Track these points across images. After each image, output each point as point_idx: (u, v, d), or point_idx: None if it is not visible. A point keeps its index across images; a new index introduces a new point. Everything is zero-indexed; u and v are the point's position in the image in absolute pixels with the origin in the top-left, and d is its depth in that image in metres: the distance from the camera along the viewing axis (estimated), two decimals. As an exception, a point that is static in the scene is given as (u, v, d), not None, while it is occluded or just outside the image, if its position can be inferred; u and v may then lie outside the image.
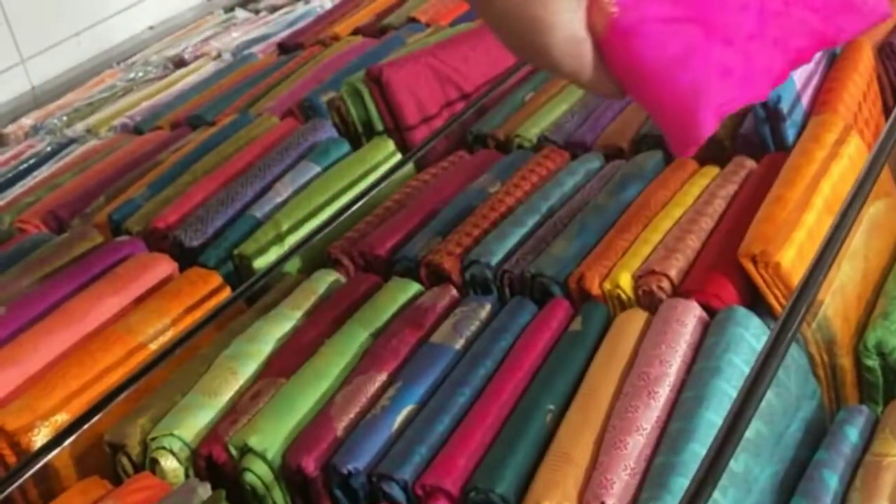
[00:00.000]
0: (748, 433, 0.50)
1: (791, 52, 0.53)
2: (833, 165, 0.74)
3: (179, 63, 1.48)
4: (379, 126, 1.04)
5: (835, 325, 0.67)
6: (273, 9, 1.65)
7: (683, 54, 0.52)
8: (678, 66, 0.51)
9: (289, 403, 0.67)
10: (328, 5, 1.56)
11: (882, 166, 0.71)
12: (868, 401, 0.67)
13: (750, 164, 0.82)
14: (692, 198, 0.79)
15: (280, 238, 0.88)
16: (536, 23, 0.51)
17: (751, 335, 0.63)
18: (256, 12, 1.68)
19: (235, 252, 0.88)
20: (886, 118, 0.91)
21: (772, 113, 0.82)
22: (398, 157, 0.99)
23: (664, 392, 0.61)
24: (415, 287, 0.78)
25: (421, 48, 1.08)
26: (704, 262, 0.71)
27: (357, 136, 1.06)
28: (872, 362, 0.66)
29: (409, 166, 0.96)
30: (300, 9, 1.58)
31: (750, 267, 0.67)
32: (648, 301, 0.70)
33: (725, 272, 0.69)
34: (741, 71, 0.52)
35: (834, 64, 0.89)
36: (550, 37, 0.51)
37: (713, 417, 0.58)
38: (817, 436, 0.62)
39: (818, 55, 0.89)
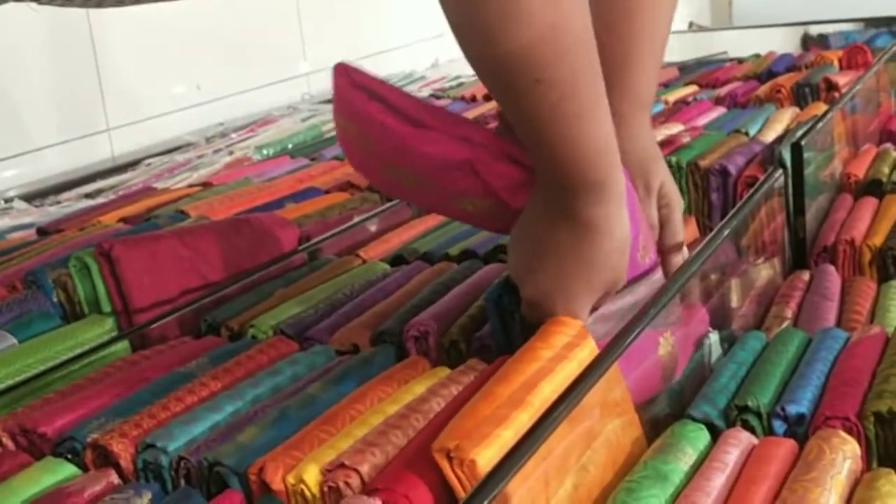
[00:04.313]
0: None
1: None
2: (559, 367, 0.66)
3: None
4: (106, 307, 0.93)
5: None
6: (55, 203, 1.55)
7: None
8: None
9: None
10: (112, 203, 1.47)
11: (608, 366, 0.64)
12: None
13: (482, 366, 0.73)
14: (412, 396, 0.70)
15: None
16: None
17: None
18: (39, 206, 1.57)
19: None
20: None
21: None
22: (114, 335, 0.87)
23: None
24: (68, 469, 0.65)
25: (167, 229, 0.99)
26: (403, 459, 0.61)
27: (83, 317, 0.94)
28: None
29: (125, 346, 0.85)
30: (83, 203, 1.49)
31: (444, 464, 0.57)
32: (335, 498, 0.59)
33: (422, 470, 0.58)
34: None
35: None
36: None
37: None
38: None
39: None
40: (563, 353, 0.67)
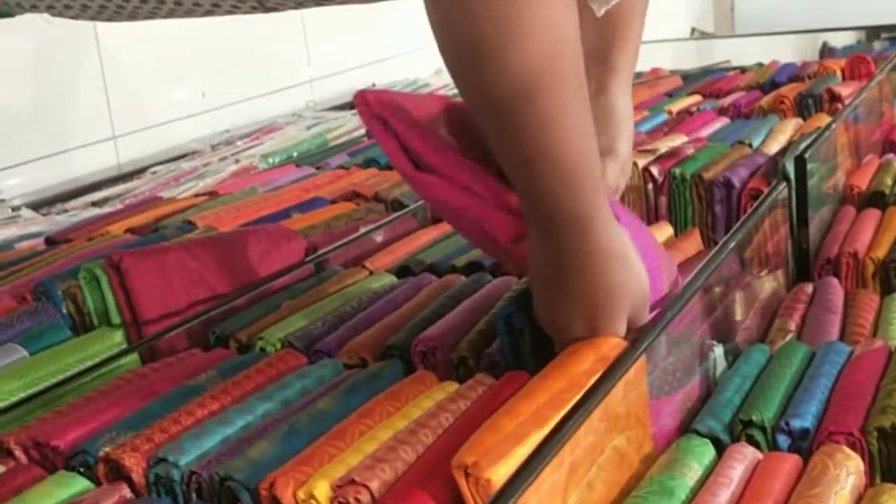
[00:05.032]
0: None
1: None
2: (588, 382, 0.66)
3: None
4: (116, 318, 0.93)
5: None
6: (62, 212, 1.56)
7: None
8: None
9: None
10: (120, 212, 1.48)
11: (618, 380, 0.65)
12: None
13: (490, 381, 0.74)
14: (421, 410, 0.70)
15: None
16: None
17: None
18: (46, 214, 1.58)
19: None
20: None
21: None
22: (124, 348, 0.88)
23: None
24: (81, 483, 0.65)
25: (175, 241, 1.00)
26: (413, 475, 0.62)
27: (92, 328, 0.95)
28: None
29: (134, 358, 0.85)
30: (90, 212, 1.50)
31: (462, 481, 0.58)
32: (344, 514, 0.60)
33: (431, 487, 0.59)
34: None
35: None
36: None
37: None
38: None
39: None
40: (594, 367, 0.68)
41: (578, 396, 0.63)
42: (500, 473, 0.57)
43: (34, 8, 0.87)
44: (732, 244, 0.91)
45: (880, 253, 1.07)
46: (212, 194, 1.43)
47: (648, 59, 2.06)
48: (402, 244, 1.10)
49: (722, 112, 1.59)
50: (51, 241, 1.27)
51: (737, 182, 1.17)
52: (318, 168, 1.59)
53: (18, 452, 0.71)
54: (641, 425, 0.70)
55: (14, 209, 1.60)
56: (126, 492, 0.65)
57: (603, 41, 0.85)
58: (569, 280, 0.68)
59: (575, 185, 0.64)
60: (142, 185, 1.66)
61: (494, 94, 0.60)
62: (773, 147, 1.32)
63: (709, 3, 4.27)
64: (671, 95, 1.77)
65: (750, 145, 1.34)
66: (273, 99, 2.16)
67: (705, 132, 1.43)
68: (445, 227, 1.17)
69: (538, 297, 0.72)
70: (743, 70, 1.92)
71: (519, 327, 0.75)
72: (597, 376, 0.66)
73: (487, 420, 0.62)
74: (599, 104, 0.84)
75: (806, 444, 0.71)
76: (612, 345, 0.70)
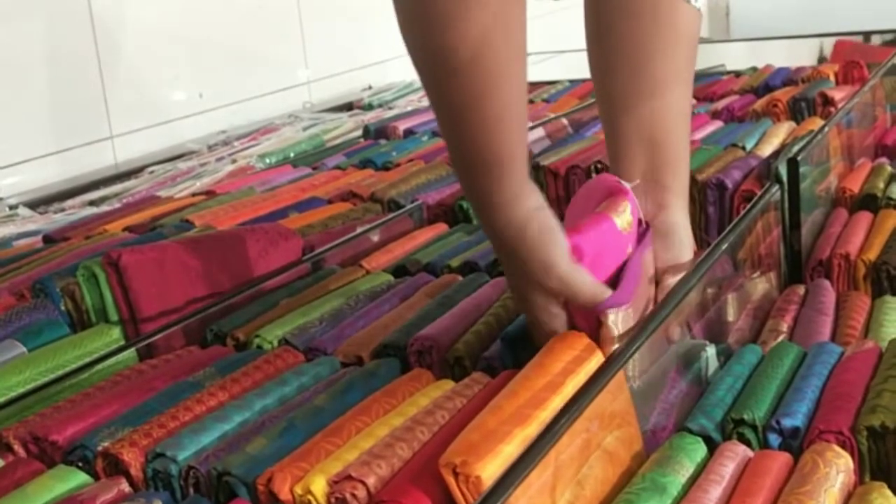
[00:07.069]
0: None
1: None
2: (568, 380, 0.68)
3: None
4: (114, 316, 0.94)
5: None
6: (59, 210, 1.57)
7: None
8: None
9: None
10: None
11: (610, 378, 0.66)
12: None
13: (486, 380, 0.75)
14: (417, 408, 0.71)
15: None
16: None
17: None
18: (43, 213, 1.59)
19: None
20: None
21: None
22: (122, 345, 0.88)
23: None
24: (80, 477, 0.66)
25: (174, 239, 1.00)
26: (409, 472, 0.62)
27: (90, 326, 0.96)
28: None
29: (132, 354, 0.86)
30: (87, 211, 1.50)
31: (451, 480, 0.58)
32: (341, 510, 0.61)
33: (427, 483, 0.60)
34: None
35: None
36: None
37: None
38: None
39: None
40: (570, 367, 0.69)
41: (559, 396, 0.65)
42: (488, 471, 0.58)
43: None
44: (725, 245, 0.92)
45: (872, 255, 1.08)
46: (209, 193, 1.44)
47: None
48: (399, 244, 1.11)
49: (715, 115, 1.60)
50: (48, 240, 1.28)
51: (730, 184, 1.18)
52: (314, 168, 1.59)
53: (17, 447, 0.72)
54: (629, 424, 0.72)
55: (11, 208, 1.60)
56: (125, 486, 0.66)
57: (653, 163, 0.85)
58: (501, 254, 0.75)
59: (499, 170, 0.70)
60: (139, 185, 1.67)
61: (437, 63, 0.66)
62: (767, 150, 1.33)
63: (704, 9, 4.28)
64: (666, 98, 1.78)
65: (743, 148, 1.35)
66: (270, 100, 2.16)
67: (699, 135, 1.44)
68: (441, 228, 1.18)
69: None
70: (737, 74, 1.93)
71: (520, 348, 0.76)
72: (575, 375, 0.68)
73: (474, 419, 0.63)
74: (661, 220, 0.86)
75: (796, 443, 0.72)
76: (584, 345, 0.72)
